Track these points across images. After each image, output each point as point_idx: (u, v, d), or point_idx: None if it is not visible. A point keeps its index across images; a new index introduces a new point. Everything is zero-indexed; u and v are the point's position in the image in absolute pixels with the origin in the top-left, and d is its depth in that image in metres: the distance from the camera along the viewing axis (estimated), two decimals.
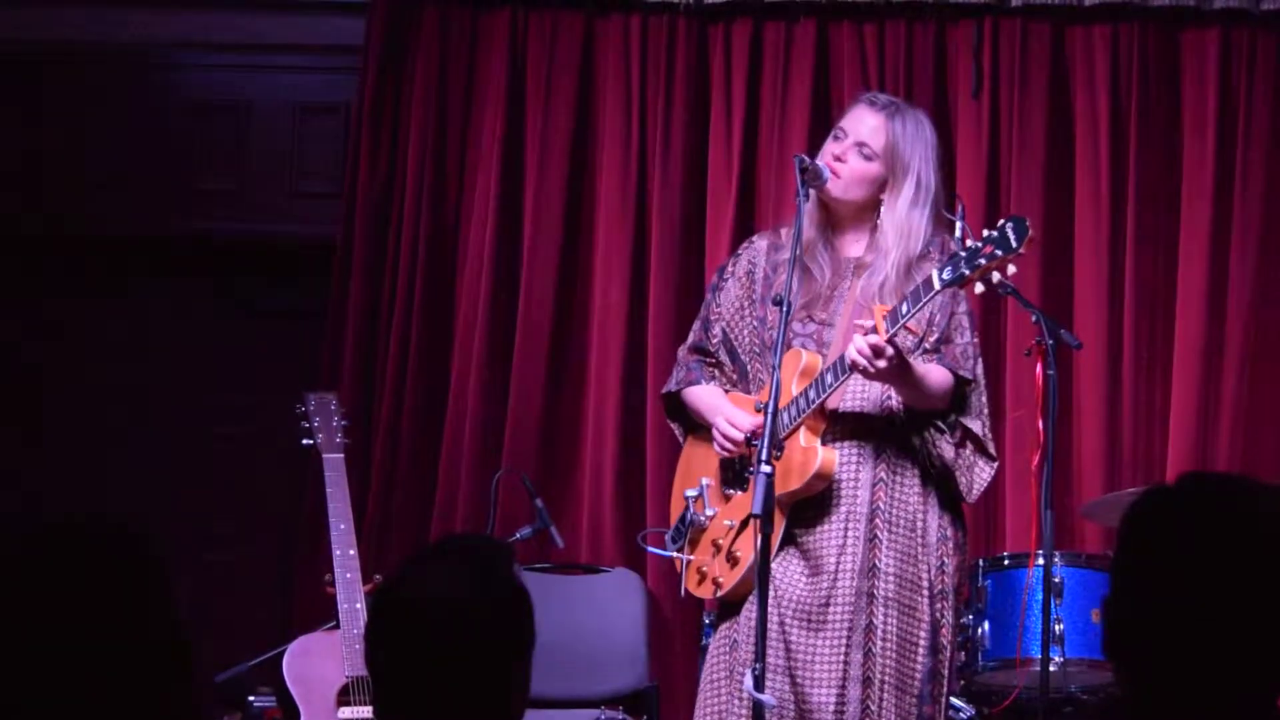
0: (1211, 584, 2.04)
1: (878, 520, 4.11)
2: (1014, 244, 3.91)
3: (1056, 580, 4.72)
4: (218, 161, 6.53)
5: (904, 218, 4.22)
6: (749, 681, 3.76)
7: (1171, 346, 5.92)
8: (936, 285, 3.97)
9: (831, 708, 4.01)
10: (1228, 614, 2.03)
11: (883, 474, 4.15)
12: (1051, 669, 4.45)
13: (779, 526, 4.08)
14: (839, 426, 4.17)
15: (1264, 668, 2.04)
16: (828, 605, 4.07)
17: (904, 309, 4.00)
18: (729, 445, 4.19)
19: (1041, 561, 4.56)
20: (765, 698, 3.75)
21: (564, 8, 6.22)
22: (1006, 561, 4.95)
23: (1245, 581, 2.03)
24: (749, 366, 4.30)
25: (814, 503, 4.13)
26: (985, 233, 3.97)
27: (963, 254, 3.96)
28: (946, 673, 4.17)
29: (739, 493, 4.22)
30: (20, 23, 6.46)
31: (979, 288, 3.99)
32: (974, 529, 5.73)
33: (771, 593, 4.03)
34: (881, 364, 3.95)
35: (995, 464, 4.26)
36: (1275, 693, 2.05)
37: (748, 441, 4.13)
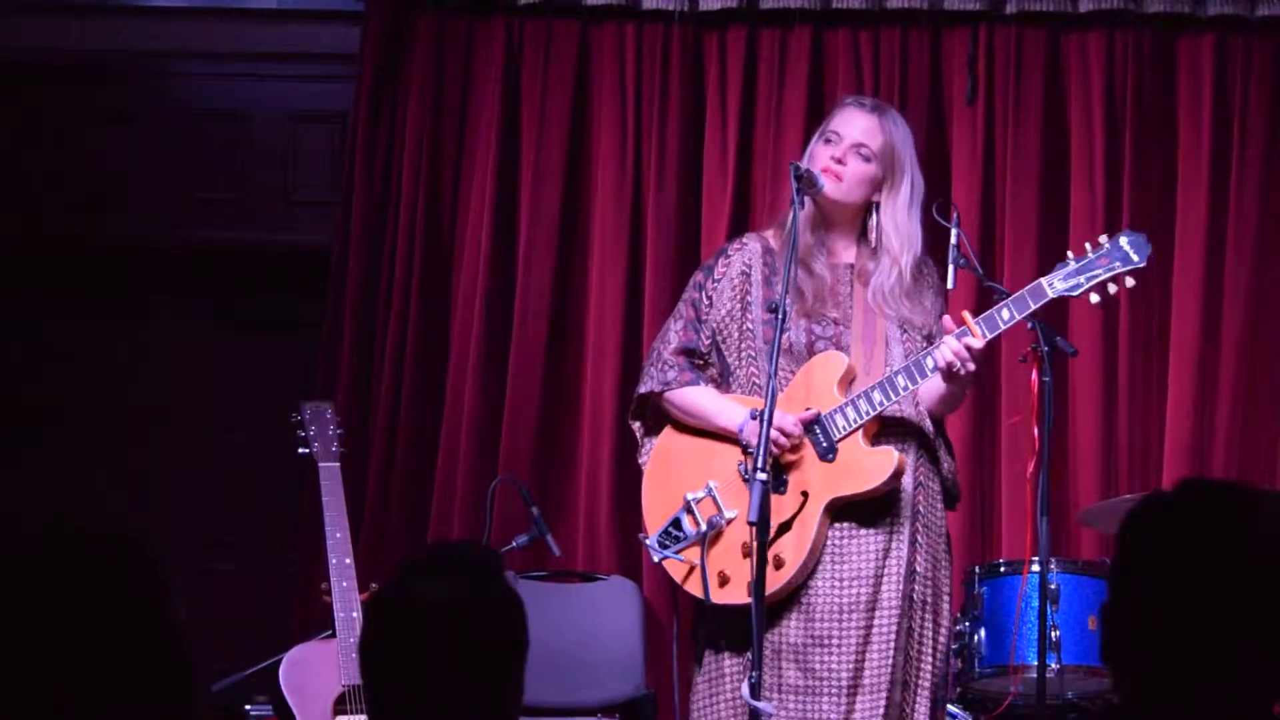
0: (1209, 591, 2.04)
1: (919, 524, 4.15)
2: (1136, 258, 4.06)
3: (1053, 587, 4.71)
4: (214, 170, 6.53)
5: (905, 218, 4.26)
6: (745, 690, 3.75)
7: (1167, 353, 5.91)
8: (1049, 294, 4.05)
9: (881, 713, 4.01)
10: (1225, 620, 2.03)
11: (921, 478, 4.19)
12: (1048, 676, 4.45)
13: (823, 529, 4.08)
14: (882, 430, 4.19)
15: (1261, 674, 2.04)
16: (873, 610, 4.07)
17: (1005, 315, 4.03)
18: (782, 442, 4.10)
19: (1037, 568, 4.56)
20: (763, 705, 3.74)
21: (559, 16, 6.21)
22: (1002, 568, 4.94)
23: (1243, 588, 2.04)
24: (742, 369, 4.28)
25: (858, 504, 4.12)
26: (1099, 243, 4.08)
27: (1075, 265, 4.02)
28: (947, 677, 4.22)
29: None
30: (18, 33, 6.46)
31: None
32: (970, 535, 5.75)
33: (804, 604, 4.04)
34: (972, 367, 3.98)
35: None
36: (1272, 699, 2.05)
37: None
